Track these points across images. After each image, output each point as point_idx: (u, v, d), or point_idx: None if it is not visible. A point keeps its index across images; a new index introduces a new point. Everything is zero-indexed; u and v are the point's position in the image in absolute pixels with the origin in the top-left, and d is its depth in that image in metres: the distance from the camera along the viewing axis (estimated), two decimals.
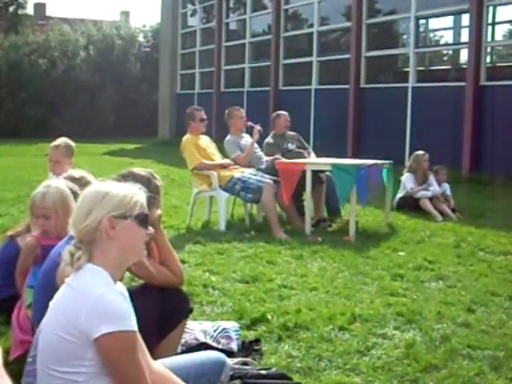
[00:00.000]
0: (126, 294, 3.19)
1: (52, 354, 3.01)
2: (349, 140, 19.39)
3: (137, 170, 4.39)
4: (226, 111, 11.00)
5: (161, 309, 4.20)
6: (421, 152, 11.85)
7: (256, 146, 10.57)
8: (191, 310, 4.54)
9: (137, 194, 3.16)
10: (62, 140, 7.60)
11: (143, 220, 3.16)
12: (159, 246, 4.35)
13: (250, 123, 10.77)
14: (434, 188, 11.46)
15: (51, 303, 3.13)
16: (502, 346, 5.18)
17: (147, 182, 4.20)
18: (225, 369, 3.60)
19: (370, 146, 17.81)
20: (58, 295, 3.12)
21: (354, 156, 16.46)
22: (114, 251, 3.09)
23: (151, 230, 3.24)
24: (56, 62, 33.50)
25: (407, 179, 11.56)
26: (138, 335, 3.02)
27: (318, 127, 20.59)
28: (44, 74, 32.96)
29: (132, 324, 2.96)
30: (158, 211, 4.31)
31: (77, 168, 7.50)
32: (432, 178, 11.61)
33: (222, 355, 3.72)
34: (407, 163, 12.16)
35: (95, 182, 3.24)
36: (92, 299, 2.92)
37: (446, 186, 11.79)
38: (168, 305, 4.25)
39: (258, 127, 10.53)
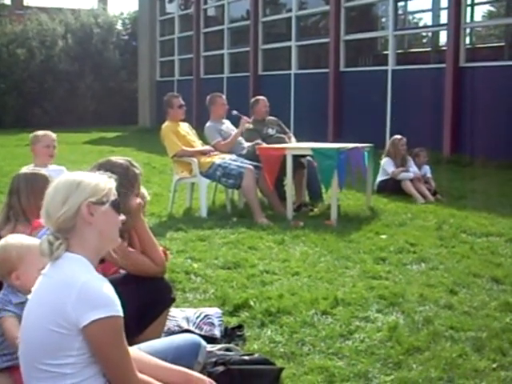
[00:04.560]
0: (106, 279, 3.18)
1: (38, 347, 2.99)
2: (329, 124, 19.38)
3: (115, 158, 4.36)
4: (208, 97, 10.95)
5: (143, 298, 4.17)
6: (398, 136, 11.84)
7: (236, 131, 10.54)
8: (174, 300, 4.52)
9: (109, 181, 3.19)
10: None
11: (117, 206, 3.18)
12: (140, 235, 4.31)
13: (235, 113, 10.73)
14: (414, 170, 11.47)
15: (29, 296, 3.11)
16: (484, 327, 5.20)
17: (125, 171, 4.19)
18: (201, 350, 3.61)
19: (351, 130, 17.80)
20: (36, 287, 3.10)
21: (335, 140, 16.45)
22: (92, 238, 3.09)
23: (123, 216, 3.23)
24: (34, 51, 33.24)
25: (386, 163, 11.55)
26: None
27: (299, 112, 20.56)
28: (23, 64, 32.72)
29: (118, 309, 2.97)
30: (138, 200, 4.27)
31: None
32: (410, 161, 11.62)
33: (196, 337, 3.75)
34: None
35: (65, 173, 3.25)
36: (77, 287, 2.91)
37: (427, 168, 11.80)
38: (150, 294, 4.23)
39: (246, 119, 10.51)
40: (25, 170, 5.59)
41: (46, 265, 3.11)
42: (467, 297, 5.98)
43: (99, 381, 3.04)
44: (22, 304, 3.77)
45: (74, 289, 2.92)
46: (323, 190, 10.37)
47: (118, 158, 4.35)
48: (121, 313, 2.97)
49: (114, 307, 2.95)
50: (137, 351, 3.34)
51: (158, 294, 4.28)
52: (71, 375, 2.96)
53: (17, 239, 3.89)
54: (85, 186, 3.08)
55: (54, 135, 7.61)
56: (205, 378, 3.39)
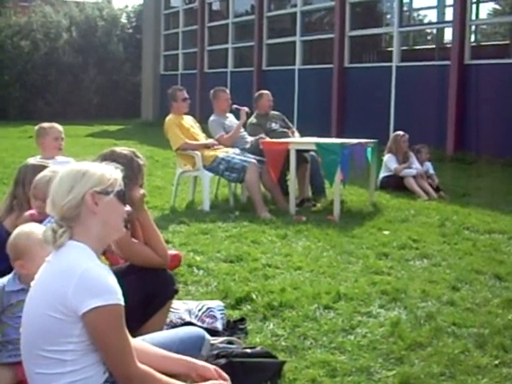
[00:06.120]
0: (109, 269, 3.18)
1: (38, 333, 3.00)
2: (333, 119, 19.35)
3: (119, 149, 4.36)
4: (212, 91, 10.92)
5: (146, 289, 4.18)
6: (400, 133, 11.82)
7: None
8: (176, 291, 4.50)
9: (115, 172, 3.20)
10: None
11: (123, 196, 3.19)
12: (143, 226, 4.31)
13: (235, 106, 10.71)
14: (417, 166, 11.46)
15: (32, 283, 3.12)
16: (486, 323, 5.19)
17: (129, 161, 4.19)
18: (205, 343, 3.60)
19: (354, 126, 17.78)
20: (39, 274, 3.10)
21: (338, 135, 16.43)
22: (96, 227, 3.10)
23: (129, 207, 3.23)
24: (39, 44, 33.21)
25: (389, 160, 11.55)
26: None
27: (302, 107, 20.55)
28: (27, 56, 32.71)
29: (119, 297, 2.97)
30: (142, 191, 4.27)
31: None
32: (413, 157, 11.60)
33: (201, 330, 3.73)
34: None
35: (71, 163, 3.26)
36: (78, 274, 2.92)
37: (429, 164, 11.78)
38: (153, 286, 4.22)
39: (245, 109, 10.49)
40: (32, 160, 5.57)
41: (50, 253, 3.11)
42: (469, 293, 5.97)
43: (99, 369, 3.05)
44: (17, 292, 3.80)
45: (74, 276, 2.92)
46: (327, 186, 10.34)
47: (123, 149, 4.35)
48: (121, 301, 2.98)
49: (115, 295, 2.96)
50: (140, 342, 3.34)
51: (161, 285, 4.27)
52: (71, 362, 2.97)
53: (29, 228, 3.90)
54: (90, 176, 3.10)
55: (60, 127, 7.49)
56: (209, 365, 3.38)
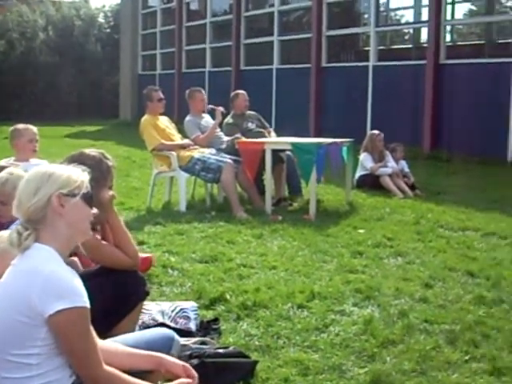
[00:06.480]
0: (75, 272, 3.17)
1: (4, 338, 2.98)
2: (311, 119, 19.42)
3: (88, 150, 4.36)
4: (187, 91, 10.92)
5: (116, 292, 4.15)
6: (375, 132, 11.89)
7: None
8: (147, 293, 4.48)
9: (82, 174, 3.18)
10: None
11: (89, 199, 3.18)
12: (113, 228, 4.29)
13: (210, 106, 10.71)
14: (392, 164, 11.53)
15: None
16: (458, 319, 5.24)
17: (98, 163, 4.19)
18: (174, 344, 3.59)
19: (332, 125, 17.83)
20: (5, 278, 3.09)
21: (316, 135, 16.49)
22: (62, 229, 3.08)
23: (95, 210, 3.23)
24: (15, 43, 33.07)
25: (365, 158, 11.61)
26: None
27: (280, 107, 20.59)
28: (2, 55, 32.57)
29: (85, 300, 2.95)
30: (110, 192, 4.27)
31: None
32: (389, 156, 11.66)
33: (169, 331, 3.71)
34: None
35: (40, 165, 3.25)
36: (43, 277, 2.90)
37: (403, 163, 11.86)
38: (123, 288, 4.19)
39: (220, 109, 10.49)
40: (3, 163, 5.55)
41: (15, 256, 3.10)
42: (442, 290, 6.03)
43: (65, 372, 3.03)
44: None
45: (39, 278, 2.91)
46: (303, 185, 10.38)
47: (91, 151, 4.35)
48: (87, 304, 2.96)
49: (80, 298, 2.94)
50: (108, 342, 3.33)
51: (132, 287, 4.25)
52: (37, 366, 2.95)
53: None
54: (56, 178, 3.08)
55: (35, 128, 7.42)
56: (178, 362, 3.38)
